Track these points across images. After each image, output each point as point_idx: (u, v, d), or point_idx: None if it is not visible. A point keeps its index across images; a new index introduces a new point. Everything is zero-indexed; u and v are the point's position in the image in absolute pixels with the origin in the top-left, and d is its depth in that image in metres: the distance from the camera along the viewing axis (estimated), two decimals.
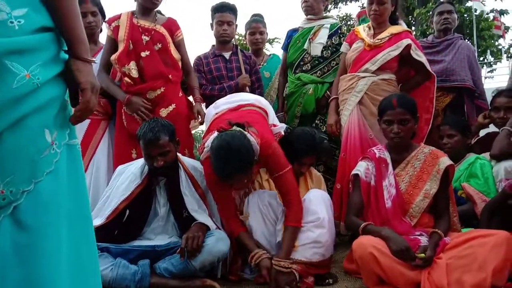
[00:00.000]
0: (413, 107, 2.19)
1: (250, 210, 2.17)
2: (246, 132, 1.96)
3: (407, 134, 2.17)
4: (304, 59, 3.12)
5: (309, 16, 3.20)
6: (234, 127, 1.98)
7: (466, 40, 3.92)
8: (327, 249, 2.07)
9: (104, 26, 2.85)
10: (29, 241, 1.01)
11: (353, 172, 2.27)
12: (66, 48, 1.13)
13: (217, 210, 2.26)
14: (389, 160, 2.21)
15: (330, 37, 3.12)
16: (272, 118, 2.46)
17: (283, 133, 2.37)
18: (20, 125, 1.00)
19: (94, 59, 1.22)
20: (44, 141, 1.05)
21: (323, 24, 3.14)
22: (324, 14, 3.27)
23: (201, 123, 2.85)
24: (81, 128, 2.83)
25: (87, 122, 2.83)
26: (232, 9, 3.12)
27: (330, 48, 3.10)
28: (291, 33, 3.27)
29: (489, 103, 3.04)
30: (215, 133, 1.99)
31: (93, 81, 1.14)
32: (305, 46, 3.10)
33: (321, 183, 2.46)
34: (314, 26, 3.14)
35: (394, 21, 2.83)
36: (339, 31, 3.15)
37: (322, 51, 3.09)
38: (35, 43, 1.03)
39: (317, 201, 2.14)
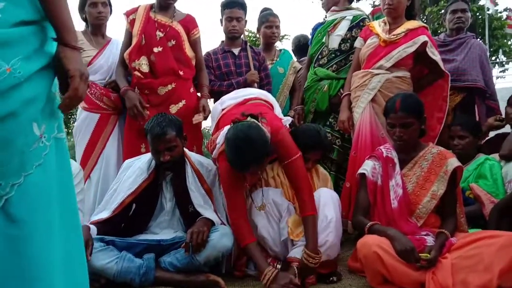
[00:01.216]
0: (417, 109, 2.14)
1: (255, 208, 2.17)
2: (259, 123, 1.96)
3: (411, 137, 2.14)
4: (322, 53, 3.05)
5: (333, 8, 3.11)
6: (249, 118, 1.98)
7: (478, 39, 3.85)
8: (332, 249, 2.07)
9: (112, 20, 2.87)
10: (21, 233, 1.02)
11: (360, 171, 2.26)
12: (53, 38, 1.13)
13: (227, 212, 2.23)
14: (396, 160, 2.19)
15: (350, 29, 2.98)
16: (278, 113, 2.45)
17: (288, 127, 2.36)
18: (7, 119, 1.01)
19: (82, 47, 1.22)
20: (32, 134, 1.06)
21: (345, 16, 3.03)
22: (349, 6, 3.13)
23: (205, 118, 2.82)
24: (90, 123, 2.85)
25: (97, 116, 2.86)
26: (241, 5, 3.10)
27: (349, 40, 2.97)
28: (317, 26, 3.19)
29: (506, 102, 2.97)
30: (228, 126, 1.99)
31: (81, 68, 1.13)
32: (324, 39, 3.02)
33: (327, 181, 2.44)
34: (336, 18, 3.05)
35: (412, 18, 2.76)
36: (362, 23, 2.98)
37: (340, 44, 2.99)
38: (15, 37, 1.03)
39: (326, 201, 2.13)
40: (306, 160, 2.30)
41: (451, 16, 3.34)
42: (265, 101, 2.39)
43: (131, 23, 2.71)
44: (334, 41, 2.98)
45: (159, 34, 2.67)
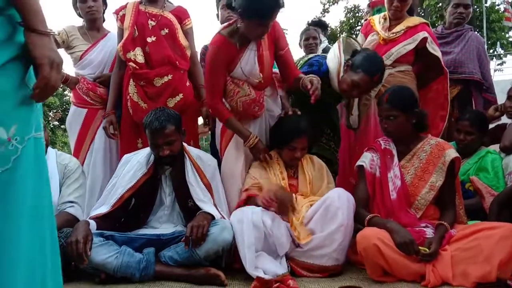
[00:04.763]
0: (404, 102, 2.14)
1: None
2: None
3: (397, 129, 2.15)
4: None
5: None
6: None
7: (476, 32, 3.85)
8: (340, 253, 2.05)
9: (110, 16, 2.85)
10: None
11: (358, 163, 2.26)
12: (18, 23, 1.05)
13: (206, 93, 2.43)
14: (394, 152, 2.20)
15: None
16: None
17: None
18: None
19: (52, 31, 1.08)
20: None
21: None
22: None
23: (210, 129, 2.82)
24: (79, 118, 2.90)
25: (84, 111, 2.89)
26: None
27: None
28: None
29: (506, 94, 2.96)
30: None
31: (51, 55, 1.03)
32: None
33: (323, 169, 2.44)
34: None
35: (410, 12, 2.78)
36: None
37: None
38: None
39: (341, 204, 2.07)
40: (293, 149, 2.30)
41: (453, 10, 3.30)
42: None
43: (121, 19, 2.68)
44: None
45: (151, 23, 2.64)
